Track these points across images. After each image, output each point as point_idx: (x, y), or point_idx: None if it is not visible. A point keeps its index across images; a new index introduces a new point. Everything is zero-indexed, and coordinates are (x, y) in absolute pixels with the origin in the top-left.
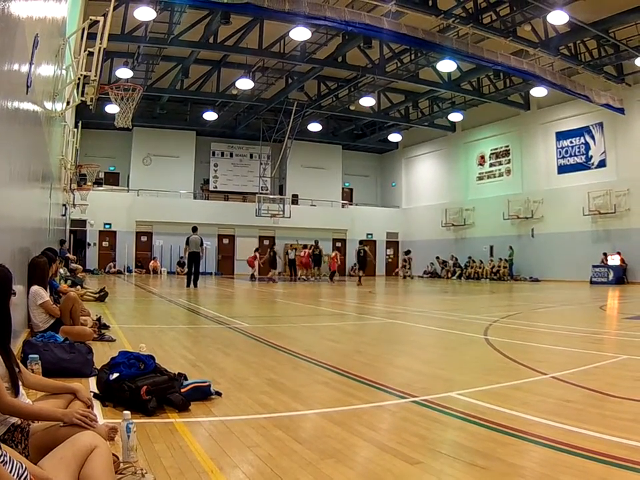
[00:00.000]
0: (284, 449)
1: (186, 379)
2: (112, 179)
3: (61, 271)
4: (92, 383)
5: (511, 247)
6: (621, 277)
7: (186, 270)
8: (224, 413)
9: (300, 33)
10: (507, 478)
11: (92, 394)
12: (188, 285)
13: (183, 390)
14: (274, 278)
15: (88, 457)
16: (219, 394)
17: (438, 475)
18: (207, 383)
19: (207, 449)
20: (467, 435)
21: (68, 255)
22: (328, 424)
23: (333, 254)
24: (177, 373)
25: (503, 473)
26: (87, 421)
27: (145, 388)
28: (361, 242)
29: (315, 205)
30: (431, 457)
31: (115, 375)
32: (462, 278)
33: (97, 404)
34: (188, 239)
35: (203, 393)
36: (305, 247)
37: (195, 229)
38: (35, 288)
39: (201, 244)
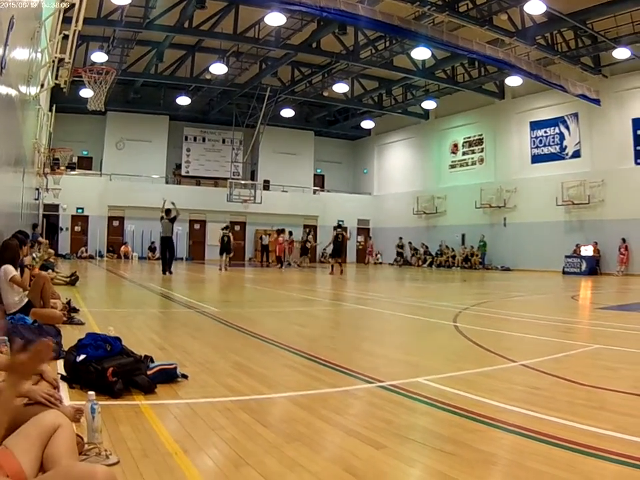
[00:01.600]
0: (249, 432)
1: (152, 361)
2: (85, 163)
3: (35, 255)
4: (60, 365)
5: (482, 236)
6: (594, 267)
7: (157, 255)
8: (190, 396)
9: (275, 19)
10: (474, 464)
11: (59, 376)
12: (164, 272)
13: (149, 372)
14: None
15: (52, 436)
16: (185, 377)
17: (404, 459)
18: (174, 366)
19: (172, 431)
20: (433, 421)
21: (40, 238)
22: (294, 408)
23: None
24: (143, 355)
25: (470, 459)
26: (52, 400)
27: (111, 369)
28: (339, 226)
29: (286, 191)
30: (396, 442)
31: (82, 357)
32: (433, 266)
33: (64, 386)
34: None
35: (169, 376)
36: (279, 232)
37: (167, 212)
38: (5, 266)
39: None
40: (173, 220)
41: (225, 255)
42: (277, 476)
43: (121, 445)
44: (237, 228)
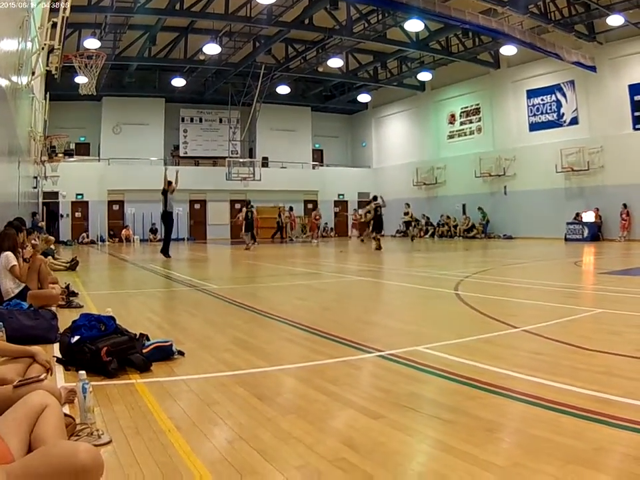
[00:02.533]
0: (244, 407)
1: (148, 339)
2: (83, 150)
3: (35, 241)
4: (56, 348)
5: (480, 209)
6: (595, 233)
7: (159, 237)
8: (185, 372)
9: None
10: (474, 432)
11: (55, 359)
12: (165, 254)
13: (144, 350)
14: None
15: (39, 417)
16: (181, 353)
17: (402, 429)
18: (169, 343)
19: (166, 409)
20: (433, 389)
21: (41, 223)
22: (290, 380)
23: (241, 215)
24: (138, 333)
25: (470, 426)
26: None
27: (105, 349)
28: (375, 198)
29: (285, 167)
30: (395, 412)
31: (76, 338)
32: (435, 236)
33: (59, 368)
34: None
35: (165, 353)
36: (291, 209)
37: (169, 184)
38: (6, 253)
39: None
40: (164, 192)
41: (249, 233)
42: (271, 449)
43: (114, 424)
44: (238, 206)
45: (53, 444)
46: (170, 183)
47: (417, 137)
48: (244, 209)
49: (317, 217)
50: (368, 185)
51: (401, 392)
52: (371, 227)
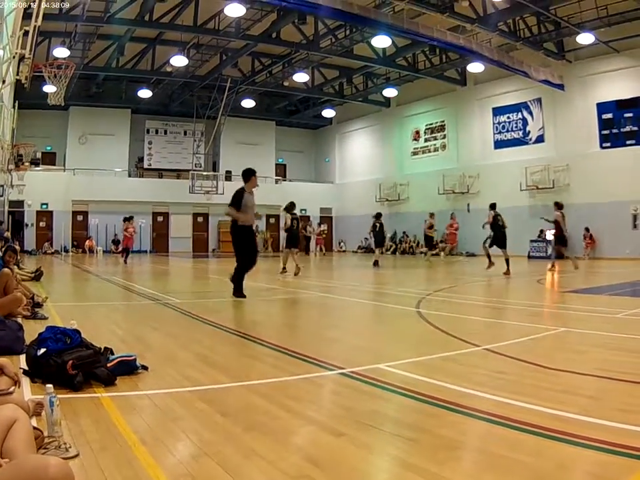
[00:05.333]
0: (207, 422)
1: (112, 353)
2: (49, 159)
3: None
4: (23, 360)
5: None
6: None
7: (120, 248)
8: (149, 387)
9: (235, 9)
10: (436, 450)
11: (22, 370)
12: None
13: (109, 364)
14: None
15: (9, 430)
16: (145, 368)
17: (363, 447)
18: (133, 357)
19: (131, 423)
20: (394, 407)
21: (6, 234)
22: (253, 396)
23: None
24: (102, 347)
25: (431, 444)
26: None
27: (71, 362)
28: (378, 215)
29: None
30: (356, 429)
31: (42, 350)
32: (396, 253)
33: (26, 380)
34: None
35: (129, 367)
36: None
37: None
38: None
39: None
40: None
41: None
42: (235, 466)
43: (80, 438)
44: (200, 219)
45: (23, 458)
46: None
47: (381, 153)
48: (287, 216)
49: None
50: (330, 200)
51: (363, 410)
52: (285, 241)
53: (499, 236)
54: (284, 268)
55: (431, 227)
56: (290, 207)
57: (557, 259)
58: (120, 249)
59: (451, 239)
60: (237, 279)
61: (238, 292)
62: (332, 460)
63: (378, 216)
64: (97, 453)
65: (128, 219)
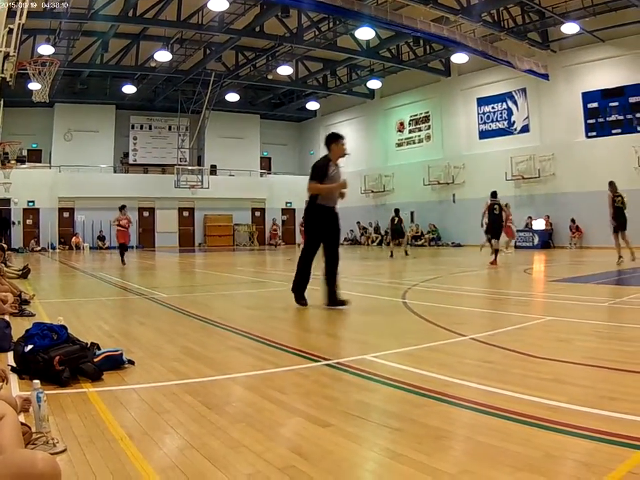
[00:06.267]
0: (194, 415)
1: (99, 348)
2: (35, 156)
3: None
4: (10, 357)
5: (433, 225)
6: (546, 241)
7: (107, 244)
8: (136, 381)
9: (218, 4)
10: (422, 440)
11: (9, 367)
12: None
13: (95, 359)
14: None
15: None
16: (131, 362)
17: (350, 437)
18: (119, 352)
19: (118, 417)
20: (380, 397)
21: None
22: (239, 389)
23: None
24: (89, 342)
25: (419, 434)
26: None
27: (58, 358)
28: (397, 210)
29: (233, 175)
30: (343, 420)
31: (30, 347)
32: (383, 244)
33: (14, 377)
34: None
35: (116, 362)
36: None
37: None
38: None
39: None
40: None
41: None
42: (221, 457)
43: (68, 433)
44: (186, 214)
45: (11, 453)
46: None
47: (366, 144)
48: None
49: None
50: None
51: (349, 400)
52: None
53: (494, 226)
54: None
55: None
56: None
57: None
58: (106, 245)
59: (508, 232)
60: (299, 280)
61: (300, 298)
62: (318, 451)
63: (396, 211)
64: (84, 448)
65: (121, 209)
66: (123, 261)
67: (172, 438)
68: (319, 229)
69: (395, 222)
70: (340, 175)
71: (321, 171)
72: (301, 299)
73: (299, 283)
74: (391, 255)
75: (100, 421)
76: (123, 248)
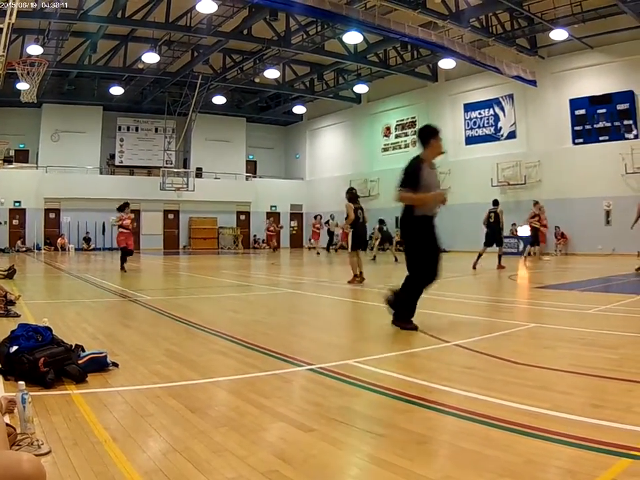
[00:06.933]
0: (177, 418)
1: (83, 350)
2: (22, 157)
3: None
4: None
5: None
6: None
7: (92, 246)
8: (120, 384)
9: (206, 6)
10: (405, 445)
11: None
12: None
13: (80, 361)
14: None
15: None
16: (115, 365)
17: (333, 442)
18: (104, 354)
19: (102, 420)
20: (363, 403)
21: None
22: (222, 392)
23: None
24: (74, 344)
25: (401, 440)
26: None
27: (43, 360)
28: (495, 202)
29: (218, 178)
30: (326, 425)
31: (14, 348)
32: (366, 249)
33: None
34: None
35: (100, 364)
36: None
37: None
38: None
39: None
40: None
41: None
42: (204, 461)
43: (52, 435)
44: (171, 216)
45: None
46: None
47: (351, 149)
48: (349, 206)
49: (271, 228)
50: (301, 197)
51: (332, 405)
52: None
53: (488, 233)
54: (360, 274)
55: (534, 216)
56: (352, 196)
57: None
58: (91, 247)
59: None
60: (407, 300)
61: (403, 320)
62: (302, 456)
63: (382, 222)
64: (68, 450)
65: (122, 208)
66: (122, 267)
67: (155, 441)
68: (425, 241)
69: (385, 229)
70: (436, 176)
71: (413, 177)
72: (407, 323)
73: (407, 308)
74: (374, 259)
75: (84, 423)
76: (126, 253)
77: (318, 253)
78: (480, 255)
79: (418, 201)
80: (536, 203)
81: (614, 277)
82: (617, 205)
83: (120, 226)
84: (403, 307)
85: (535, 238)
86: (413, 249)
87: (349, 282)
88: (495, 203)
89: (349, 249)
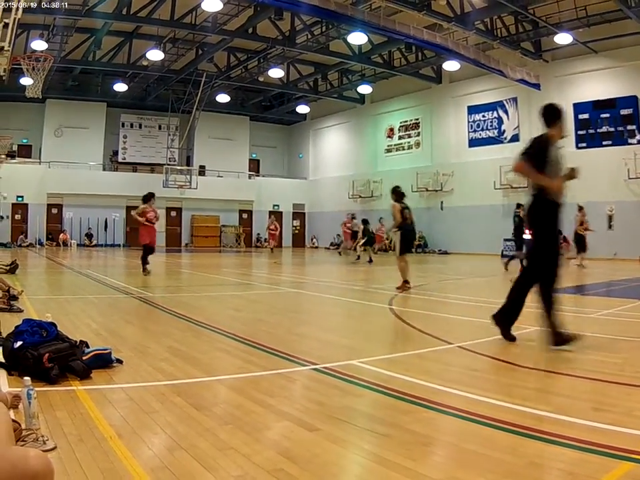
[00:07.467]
0: (182, 416)
1: (87, 346)
2: (25, 152)
3: None
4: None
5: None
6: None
7: (94, 242)
8: (124, 381)
9: (212, 4)
10: (409, 446)
11: None
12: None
13: (84, 357)
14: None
15: None
16: (120, 361)
17: (337, 442)
18: (108, 351)
19: (107, 416)
20: (367, 403)
21: None
22: (227, 391)
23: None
24: (78, 340)
25: (404, 440)
26: None
27: (47, 355)
28: (518, 205)
29: (221, 176)
30: (330, 424)
31: (19, 343)
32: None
33: (3, 373)
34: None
35: (104, 361)
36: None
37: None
38: None
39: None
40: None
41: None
42: (210, 459)
43: (57, 431)
44: (173, 214)
45: (3, 450)
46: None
47: (354, 149)
48: (396, 206)
49: (272, 227)
50: (303, 196)
51: (336, 405)
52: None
53: (515, 236)
54: (406, 281)
55: (581, 223)
56: (398, 195)
57: None
58: (93, 243)
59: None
60: (509, 311)
61: (507, 332)
62: (306, 454)
63: (365, 221)
64: (74, 446)
65: (147, 198)
66: (144, 268)
67: (161, 438)
68: (550, 232)
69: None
70: (561, 158)
71: (541, 152)
72: (508, 334)
73: (510, 311)
74: (370, 260)
75: (89, 419)
76: (149, 251)
77: (358, 257)
78: (511, 257)
79: (546, 183)
80: (581, 208)
81: (616, 282)
82: (619, 209)
83: (145, 219)
84: (504, 315)
85: (582, 244)
86: (543, 241)
87: (398, 288)
88: (518, 205)
89: (397, 253)
